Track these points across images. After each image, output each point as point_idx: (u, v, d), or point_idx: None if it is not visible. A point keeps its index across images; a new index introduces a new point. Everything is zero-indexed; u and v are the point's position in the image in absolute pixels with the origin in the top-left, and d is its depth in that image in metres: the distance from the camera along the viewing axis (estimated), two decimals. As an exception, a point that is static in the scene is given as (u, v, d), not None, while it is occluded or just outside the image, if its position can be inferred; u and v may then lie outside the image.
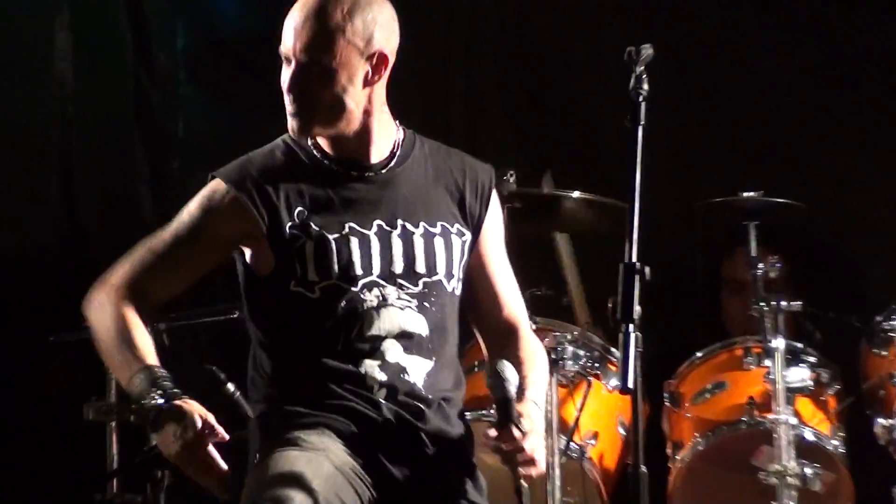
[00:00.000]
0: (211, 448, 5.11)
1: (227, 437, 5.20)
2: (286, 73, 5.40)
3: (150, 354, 5.27)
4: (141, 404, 5.20)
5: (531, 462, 5.23)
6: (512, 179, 7.14)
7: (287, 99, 5.42)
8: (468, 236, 5.57)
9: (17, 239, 8.20)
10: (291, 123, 5.43)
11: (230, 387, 5.29)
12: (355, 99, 5.47)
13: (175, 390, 5.18)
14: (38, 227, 8.24)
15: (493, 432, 5.25)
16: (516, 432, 5.17)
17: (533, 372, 5.66)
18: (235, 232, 5.49)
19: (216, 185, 5.50)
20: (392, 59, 5.42)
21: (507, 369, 5.19)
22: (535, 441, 5.28)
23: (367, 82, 5.44)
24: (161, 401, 5.18)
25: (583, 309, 7.97)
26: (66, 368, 7.63)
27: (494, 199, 5.65)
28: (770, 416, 6.98)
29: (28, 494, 7.37)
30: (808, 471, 6.94)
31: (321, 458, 5.36)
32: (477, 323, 5.66)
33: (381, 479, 5.45)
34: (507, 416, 5.17)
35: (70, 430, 7.16)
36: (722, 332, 7.63)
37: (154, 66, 8.35)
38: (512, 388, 5.21)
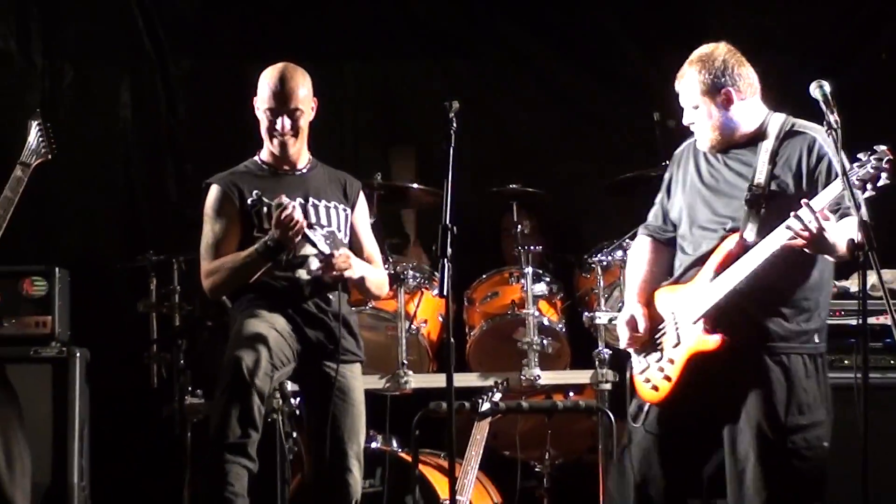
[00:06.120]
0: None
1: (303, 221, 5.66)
2: (280, 122, 5.81)
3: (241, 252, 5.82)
4: (265, 247, 5.64)
5: (339, 269, 5.74)
6: (378, 177, 7.35)
7: (287, 137, 5.82)
8: (348, 211, 6.12)
9: (99, 214, 8.35)
10: (292, 153, 5.88)
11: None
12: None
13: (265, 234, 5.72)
14: (112, 209, 8.40)
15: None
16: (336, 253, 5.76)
17: (373, 269, 6.10)
18: (231, 209, 5.82)
19: (210, 191, 5.89)
20: None
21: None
22: (347, 258, 5.76)
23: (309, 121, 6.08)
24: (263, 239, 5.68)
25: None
26: (128, 284, 7.64)
27: (361, 196, 6.22)
28: (524, 311, 7.15)
29: (104, 351, 7.21)
30: (544, 342, 7.09)
31: (269, 326, 5.71)
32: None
33: (302, 337, 5.81)
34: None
35: (130, 314, 7.31)
36: (500, 263, 7.62)
37: (177, 115, 8.42)
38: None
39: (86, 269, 7.44)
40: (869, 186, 4.91)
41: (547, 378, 6.94)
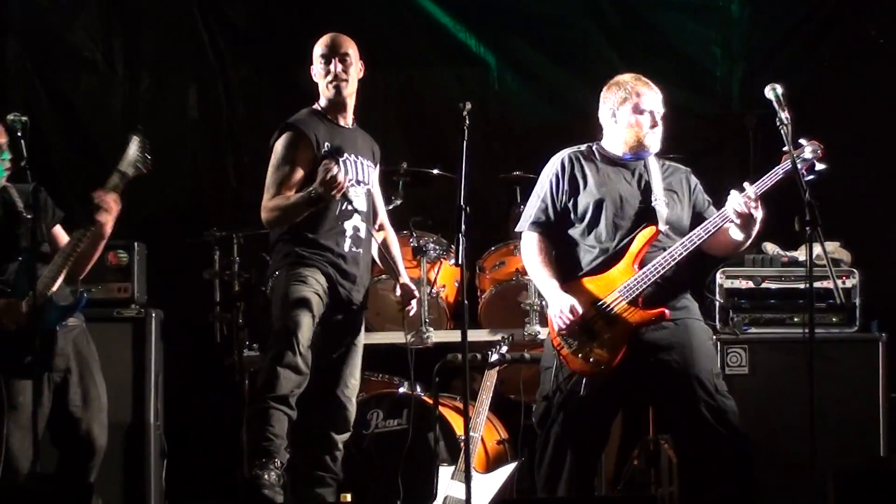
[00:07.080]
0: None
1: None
2: (333, 64, 5.71)
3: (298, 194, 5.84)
4: (309, 197, 5.55)
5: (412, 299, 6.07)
6: (404, 165, 7.25)
7: (340, 81, 5.69)
8: (375, 171, 6.12)
9: (172, 197, 8.28)
10: (346, 94, 5.76)
11: None
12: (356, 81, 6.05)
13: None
14: (182, 193, 8.39)
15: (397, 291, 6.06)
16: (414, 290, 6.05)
17: (397, 253, 6.19)
18: (308, 153, 5.70)
19: (291, 133, 5.72)
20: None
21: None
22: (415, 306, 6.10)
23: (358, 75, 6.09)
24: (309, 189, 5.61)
25: None
26: (196, 256, 7.40)
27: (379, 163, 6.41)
28: (526, 277, 7.03)
29: (175, 312, 7.15)
30: (543, 303, 6.79)
31: (313, 292, 5.67)
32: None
33: (334, 294, 5.79)
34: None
35: (197, 281, 7.25)
36: (506, 237, 7.30)
37: (236, 114, 8.40)
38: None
39: (160, 242, 7.51)
40: (806, 173, 5.09)
41: (545, 333, 6.53)
